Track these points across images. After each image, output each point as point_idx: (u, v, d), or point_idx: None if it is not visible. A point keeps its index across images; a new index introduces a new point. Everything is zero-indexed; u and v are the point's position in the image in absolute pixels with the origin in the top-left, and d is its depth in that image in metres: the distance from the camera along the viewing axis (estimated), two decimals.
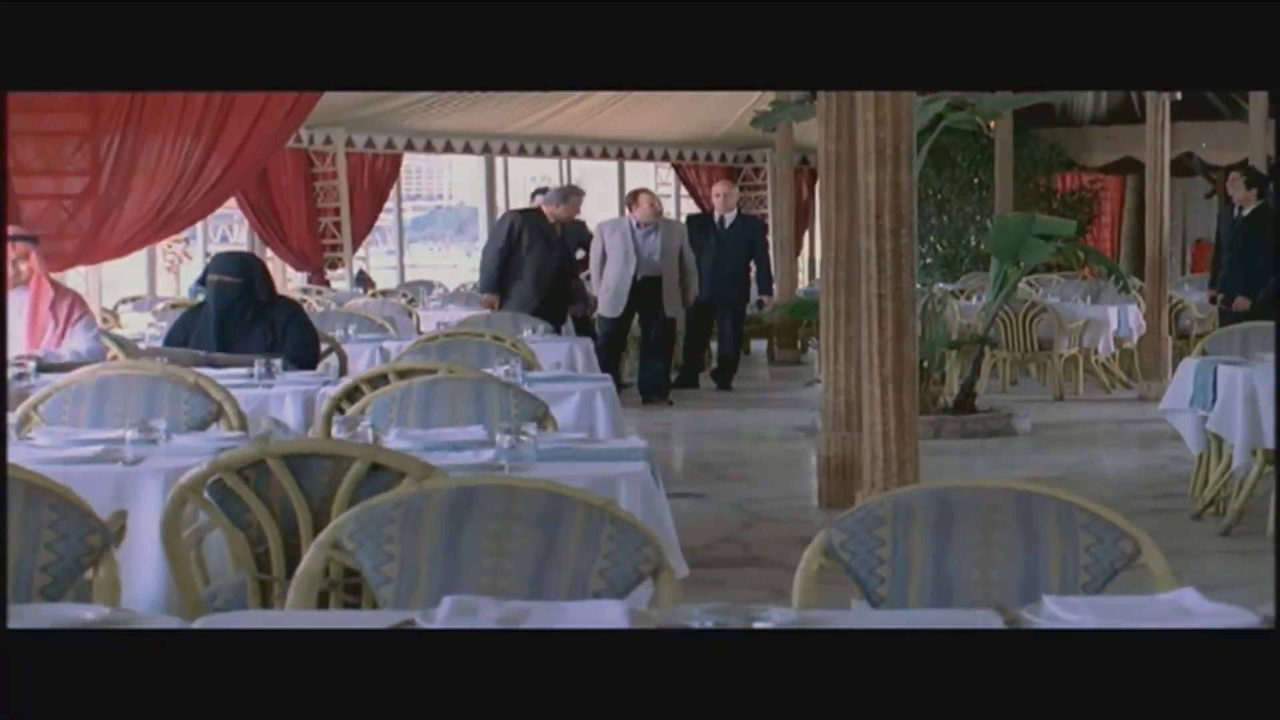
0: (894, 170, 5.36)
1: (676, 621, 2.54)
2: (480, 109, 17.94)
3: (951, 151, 20.53)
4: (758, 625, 2.51)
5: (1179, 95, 13.47)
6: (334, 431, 4.70)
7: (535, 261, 11.66)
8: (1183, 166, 19.86)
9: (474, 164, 20.09)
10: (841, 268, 7.12)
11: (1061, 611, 2.58)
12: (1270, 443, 7.14)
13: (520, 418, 5.29)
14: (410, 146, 18.37)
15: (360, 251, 18.36)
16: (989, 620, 2.62)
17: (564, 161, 19.95)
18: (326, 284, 17.15)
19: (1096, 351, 13.80)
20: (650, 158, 21.02)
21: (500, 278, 11.67)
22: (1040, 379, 14.12)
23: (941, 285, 16.31)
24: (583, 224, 13.62)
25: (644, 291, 12.45)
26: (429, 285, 16.90)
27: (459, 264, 26.76)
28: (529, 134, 19.22)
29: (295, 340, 7.12)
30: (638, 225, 12.48)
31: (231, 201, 16.37)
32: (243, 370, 6.52)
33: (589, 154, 19.98)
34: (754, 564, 6.96)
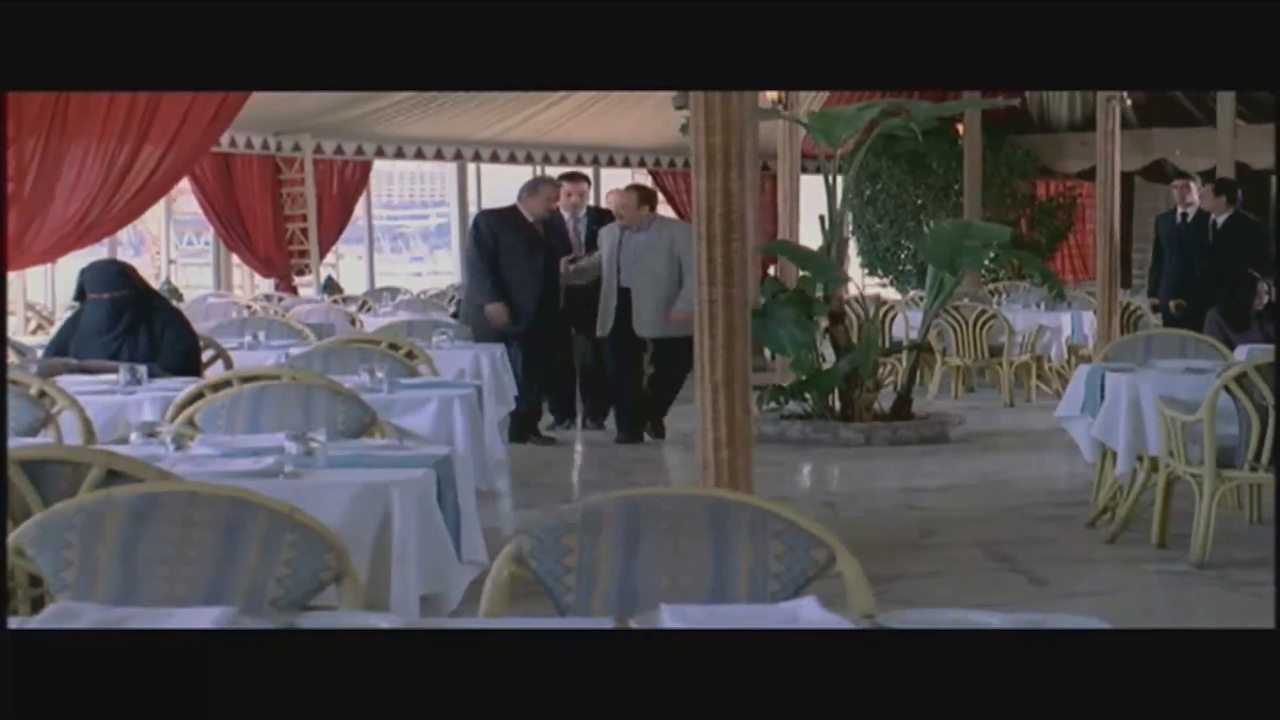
0: (724, 176, 5.34)
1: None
2: (451, 115, 17.97)
3: (929, 159, 20.51)
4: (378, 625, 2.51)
5: (1128, 101, 13.39)
6: (133, 438, 4.70)
7: (519, 263, 10.52)
8: (1158, 173, 19.80)
9: (498, 171, 20.06)
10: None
11: (670, 618, 2.57)
12: (1154, 449, 7.10)
13: (347, 425, 5.30)
14: (380, 153, 18.42)
15: (330, 257, 18.40)
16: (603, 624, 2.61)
17: (538, 168, 19.94)
18: (293, 291, 17.20)
19: (1049, 358, 13.76)
20: (626, 164, 21.02)
21: (495, 282, 10.37)
22: (996, 386, 14.07)
23: (916, 292, 16.33)
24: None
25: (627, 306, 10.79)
26: (394, 291, 16.90)
27: None
28: (501, 140, 19.24)
29: (175, 346, 7.11)
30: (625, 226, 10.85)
31: (196, 207, 16.45)
32: (113, 376, 6.53)
33: (563, 160, 19.96)
34: None
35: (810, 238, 13.57)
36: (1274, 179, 17.88)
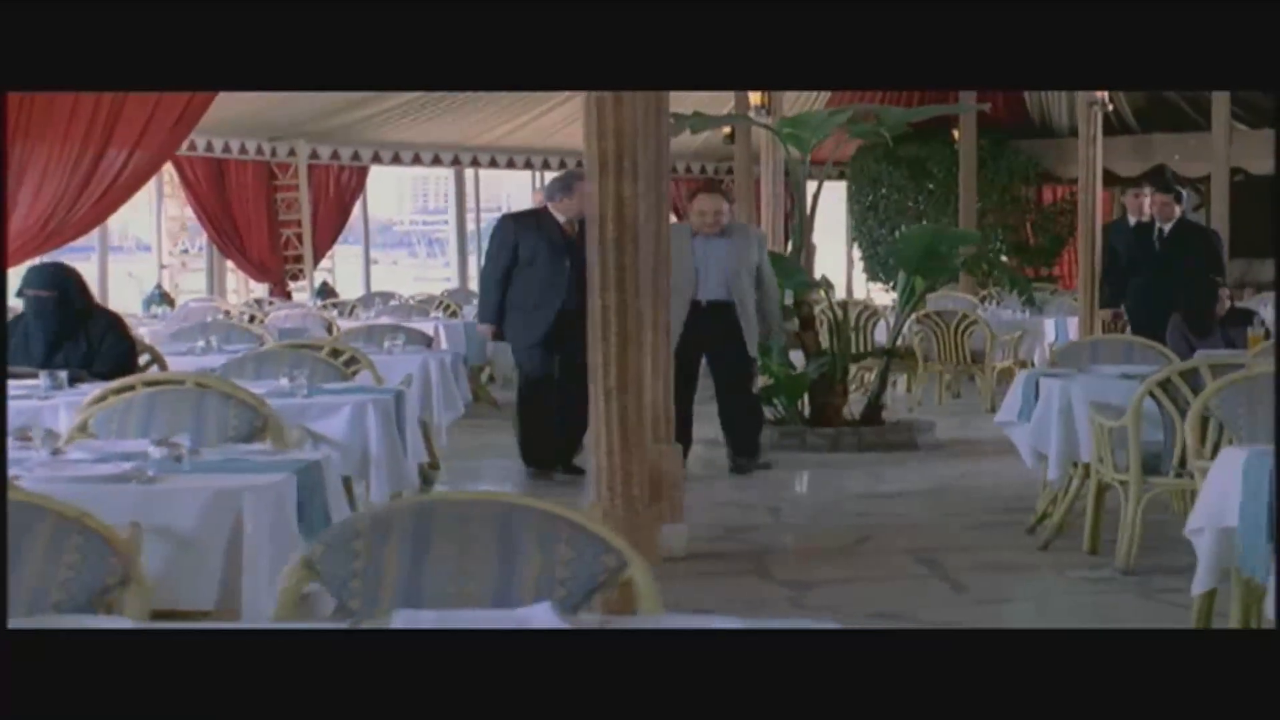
0: (617, 182, 5.33)
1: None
2: (447, 121, 18.01)
3: (929, 164, 20.48)
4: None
5: (1109, 106, 13.33)
6: (10, 442, 4.71)
7: (539, 276, 9.13)
8: (1159, 178, 19.70)
9: (497, 177, 20.06)
10: (648, 281, 7.09)
11: (399, 621, 2.57)
12: (1085, 456, 7.06)
13: (239, 429, 5.32)
14: (376, 159, 18.46)
15: (326, 262, 18.45)
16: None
17: (537, 174, 19.96)
18: (288, 296, 17.25)
19: (1032, 363, 13.68)
20: None
21: (501, 302, 9.29)
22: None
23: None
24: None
25: (709, 320, 9.46)
26: (387, 296, 16.93)
27: None
28: (499, 146, 19.26)
29: (112, 351, 7.14)
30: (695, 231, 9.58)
31: (189, 213, 16.52)
32: (34, 381, 6.55)
33: (562, 165, 19.95)
34: None
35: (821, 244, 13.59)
36: (1273, 183, 17.77)
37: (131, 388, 5.76)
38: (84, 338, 7.12)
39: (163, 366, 7.68)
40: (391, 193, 36.43)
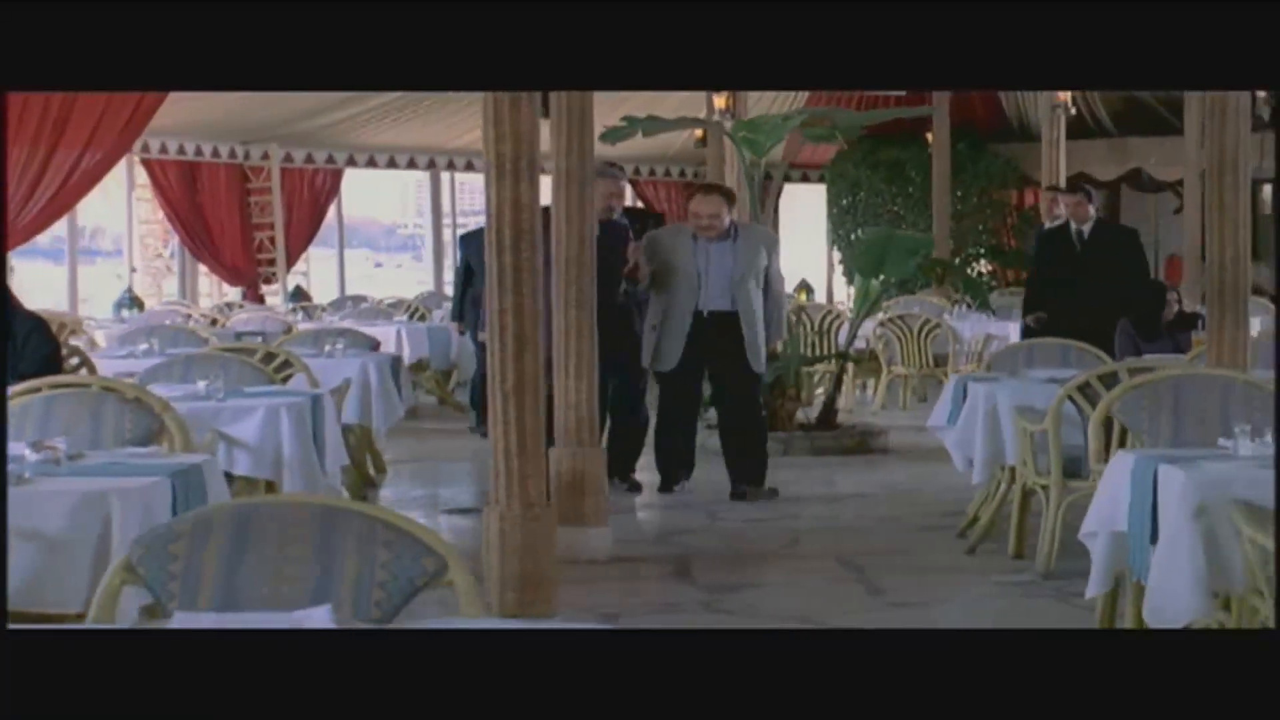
0: (514, 185, 5.34)
1: None
2: (422, 124, 18.00)
3: (907, 168, 20.46)
4: None
5: (1073, 110, 13.32)
6: None
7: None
8: (1137, 181, 19.70)
9: (475, 179, 20.03)
10: (572, 283, 7.10)
11: (178, 622, 2.58)
12: (1011, 459, 7.05)
13: (135, 432, 5.32)
14: (351, 162, 18.46)
15: (300, 265, 18.45)
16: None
17: None
18: (260, 299, 17.26)
19: None
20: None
21: (468, 299, 9.03)
22: None
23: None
24: (641, 217, 9.84)
25: (711, 332, 8.65)
26: (359, 299, 16.94)
27: None
28: (474, 149, 19.20)
29: (36, 354, 7.12)
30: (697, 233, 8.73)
31: (162, 215, 16.53)
32: None
33: (541, 170, 19.93)
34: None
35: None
36: (1270, 186, 17.71)
37: (37, 390, 5.75)
38: (9, 340, 7.10)
39: (91, 370, 7.68)
40: (396, 196, 36.50)
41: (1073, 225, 10.62)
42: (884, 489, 9.32)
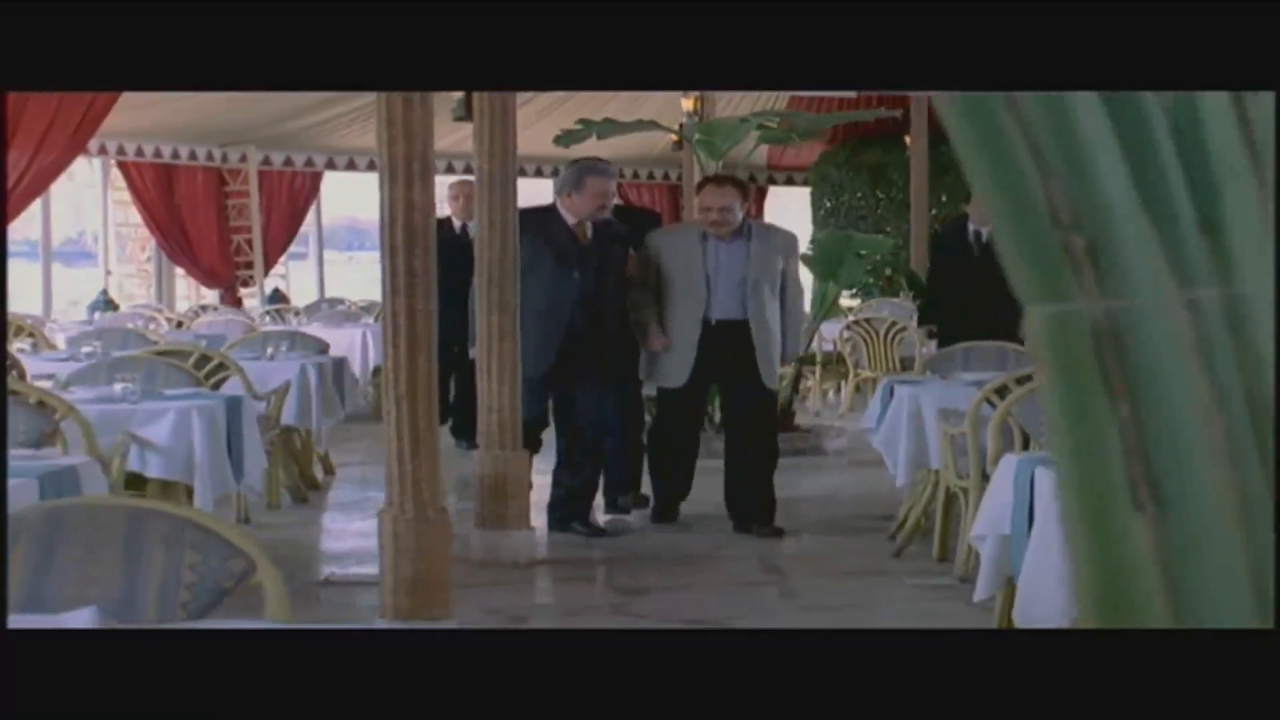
0: (407, 187, 5.34)
1: None
2: None
3: (890, 171, 20.45)
4: None
5: None
6: None
7: (543, 283, 7.48)
8: None
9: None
10: (495, 286, 7.11)
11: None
12: (936, 463, 7.04)
13: (29, 435, 5.33)
14: (331, 165, 18.48)
15: (279, 268, 18.48)
16: None
17: None
18: (238, 302, 17.29)
19: None
20: None
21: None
22: None
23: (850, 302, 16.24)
24: (636, 217, 9.08)
25: (719, 343, 7.73)
26: (335, 301, 16.96)
27: None
28: (455, 152, 19.21)
29: None
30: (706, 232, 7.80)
31: (138, 217, 16.56)
32: None
33: (522, 172, 19.91)
34: None
35: None
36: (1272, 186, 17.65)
37: None
38: None
39: (21, 374, 7.70)
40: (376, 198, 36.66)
41: (971, 226, 9.72)
42: (826, 491, 9.32)
